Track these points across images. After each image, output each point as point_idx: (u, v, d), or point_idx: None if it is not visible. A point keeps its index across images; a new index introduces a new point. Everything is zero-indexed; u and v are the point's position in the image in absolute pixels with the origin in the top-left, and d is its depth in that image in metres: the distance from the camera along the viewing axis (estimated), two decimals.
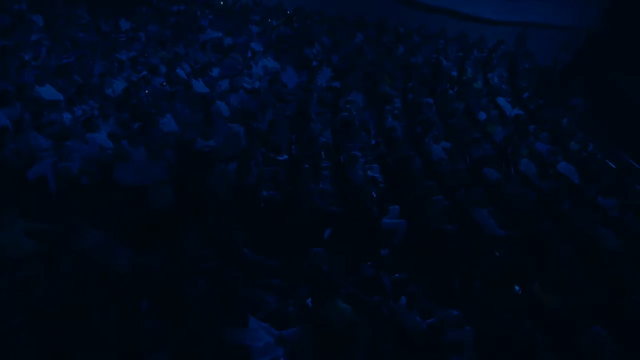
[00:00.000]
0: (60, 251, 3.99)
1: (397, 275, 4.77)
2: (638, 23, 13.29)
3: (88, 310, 3.31)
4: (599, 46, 14.32)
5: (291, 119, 8.20)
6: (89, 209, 4.87)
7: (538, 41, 15.03)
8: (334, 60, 11.79)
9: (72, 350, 3.18)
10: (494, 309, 4.37)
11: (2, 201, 4.39)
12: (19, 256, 3.81)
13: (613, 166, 9.00)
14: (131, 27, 11.64)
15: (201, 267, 4.14)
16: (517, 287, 4.52)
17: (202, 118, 7.32)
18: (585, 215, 6.20)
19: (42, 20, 11.09)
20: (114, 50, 9.71)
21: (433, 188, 6.30)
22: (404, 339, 4.00)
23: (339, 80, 10.49)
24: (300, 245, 4.83)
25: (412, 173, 6.74)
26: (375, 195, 6.14)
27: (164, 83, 8.52)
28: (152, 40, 10.97)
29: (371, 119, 8.91)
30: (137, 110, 7.16)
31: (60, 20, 11.23)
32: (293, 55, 11.41)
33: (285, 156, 6.82)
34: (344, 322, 3.83)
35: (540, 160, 8.07)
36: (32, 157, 5.60)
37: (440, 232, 5.47)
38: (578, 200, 6.82)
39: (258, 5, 15.27)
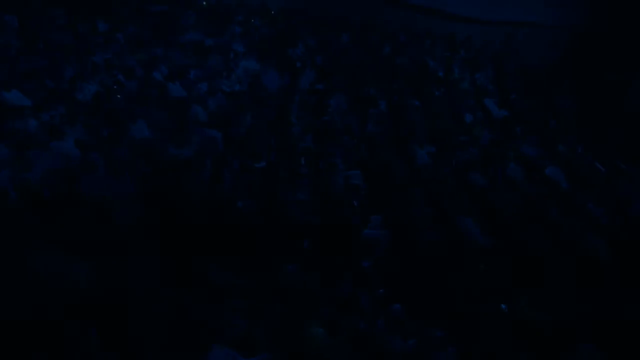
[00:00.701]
0: (10, 273, 3.68)
1: (377, 291, 4.51)
2: (627, 22, 13.17)
3: (31, 343, 3.01)
4: (588, 46, 14.18)
5: (271, 124, 7.92)
6: (49, 225, 4.57)
7: (526, 41, 14.87)
8: (318, 62, 11.53)
9: None
10: (479, 328, 4.13)
11: None
12: None
13: (602, 169, 8.82)
14: (109, 29, 11.29)
15: (164, 288, 3.85)
16: (503, 305, 4.29)
17: (177, 123, 7.02)
18: (575, 223, 5.99)
19: (16, 20, 10.71)
20: (88, 53, 9.38)
21: (417, 196, 6.07)
22: None
23: (322, 82, 10.23)
24: (274, 261, 4.56)
25: (396, 180, 6.50)
26: (356, 204, 5.89)
27: (139, 87, 8.20)
28: (130, 42, 10.64)
29: (355, 123, 8.65)
30: (108, 116, 6.84)
31: (35, 21, 10.86)
32: (276, 57, 11.13)
33: (264, 163, 6.54)
34: (318, 347, 3.57)
35: (528, 164, 7.87)
36: None
37: (424, 244, 5.22)
38: (567, 206, 6.61)
39: (241, 5, 14.97)
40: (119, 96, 7.53)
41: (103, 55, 9.68)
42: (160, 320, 3.44)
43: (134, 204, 5.10)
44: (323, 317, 3.86)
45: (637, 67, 12.70)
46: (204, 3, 15.02)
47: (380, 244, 5.34)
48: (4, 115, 6.27)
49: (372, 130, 8.18)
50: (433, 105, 9.91)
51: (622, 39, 12.97)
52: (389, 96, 10.08)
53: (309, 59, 11.66)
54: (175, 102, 7.84)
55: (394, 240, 5.24)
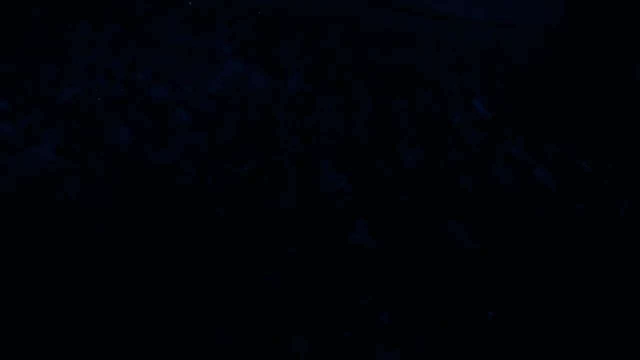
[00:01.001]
0: None
1: (362, 300, 4.40)
2: (616, 22, 13.19)
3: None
4: (578, 45, 14.20)
5: (257, 126, 7.78)
6: (21, 237, 4.41)
7: (516, 41, 14.86)
8: (306, 63, 11.40)
9: None
10: (466, 337, 4.03)
11: None
12: None
13: (589, 169, 8.78)
14: (92, 29, 11.09)
15: (140, 299, 3.70)
16: (490, 313, 4.20)
17: (160, 127, 6.86)
18: (563, 225, 5.93)
19: None
20: (69, 54, 9.17)
21: (404, 199, 5.97)
22: None
23: (309, 84, 10.10)
24: (257, 270, 4.43)
25: (383, 183, 6.39)
26: (342, 209, 5.78)
27: (121, 89, 8.02)
28: (113, 43, 10.45)
29: (341, 125, 8.53)
30: (88, 119, 6.66)
31: (12, 21, 10.63)
32: (262, 58, 10.99)
33: (247, 168, 6.40)
34: None
35: (516, 165, 7.80)
36: None
37: (411, 249, 5.12)
38: (555, 207, 6.54)
39: (228, 6, 14.80)
40: (99, 99, 7.35)
41: (84, 56, 9.50)
42: (136, 334, 3.30)
43: (112, 210, 4.95)
44: (307, 327, 3.74)
45: (628, 66, 12.72)
46: (190, 3, 14.87)
47: (367, 249, 5.23)
48: None
49: (359, 133, 8.06)
50: (420, 107, 9.82)
51: (611, 39, 12.98)
52: (377, 98, 9.98)
53: (296, 60, 11.53)
54: (158, 105, 7.69)
55: (381, 246, 5.13)
